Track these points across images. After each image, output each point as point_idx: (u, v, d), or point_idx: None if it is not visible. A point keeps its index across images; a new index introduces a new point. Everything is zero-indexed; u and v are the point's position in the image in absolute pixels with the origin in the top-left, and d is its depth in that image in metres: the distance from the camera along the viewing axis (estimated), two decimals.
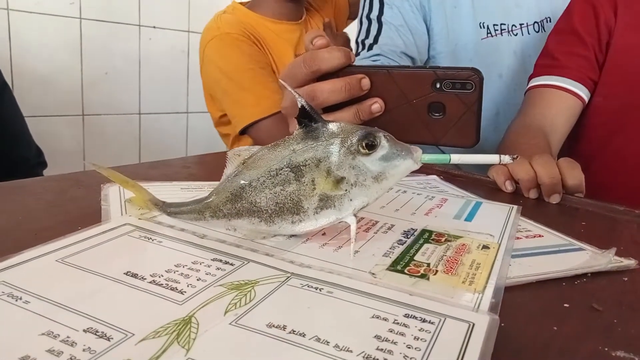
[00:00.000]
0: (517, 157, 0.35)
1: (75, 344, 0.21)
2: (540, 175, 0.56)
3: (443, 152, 0.52)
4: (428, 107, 0.42)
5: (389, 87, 0.43)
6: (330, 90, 0.42)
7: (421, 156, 0.34)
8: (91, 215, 0.38)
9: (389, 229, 0.41)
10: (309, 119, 0.34)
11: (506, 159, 0.35)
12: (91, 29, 1.74)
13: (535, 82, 0.87)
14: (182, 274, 0.29)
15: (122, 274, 0.28)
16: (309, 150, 0.34)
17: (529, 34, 0.96)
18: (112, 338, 0.22)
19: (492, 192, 0.59)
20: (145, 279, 0.28)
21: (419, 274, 0.32)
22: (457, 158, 0.35)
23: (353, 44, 0.97)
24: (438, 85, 0.42)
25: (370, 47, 0.90)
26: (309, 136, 0.34)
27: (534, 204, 0.56)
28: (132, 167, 0.55)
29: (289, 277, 0.30)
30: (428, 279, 0.32)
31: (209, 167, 0.62)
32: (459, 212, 0.47)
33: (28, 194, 0.43)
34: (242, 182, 0.34)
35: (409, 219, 0.44)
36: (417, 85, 0.42)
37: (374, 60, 0.88)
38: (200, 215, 0.36)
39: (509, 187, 0.60)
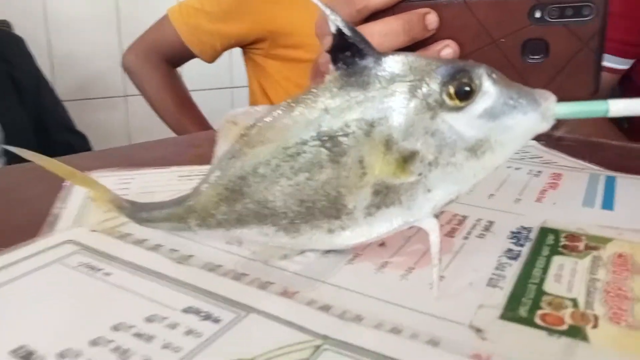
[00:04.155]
0: None
1: None
2: None
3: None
4: (523, 47, 0.31)
5: (465, 24, 0.31)
6: (383, 33, 0.31)
7: (555, 107, 0.19)
8: (39, 224, 0.26)
9: (487, 229, 0.26)
10: (350, 52, 0.19)
11: None
12: (128, 4, 1.66)
13: None
14: (117, 348, 0.15)
15: (7, 353, 0.15)
16: (352, 107, 0.19)
17: None
18: None
19: (621, 160, 0.42)
20: None
21: (566, 328, 0.17)
22: (619, 107, 0.20)
23: None
24: (538, 15, 0.30)
25: None
26: (351, 83, 0.19)
27: None
28: (121, 150, 0.43)
29: (319, 346, 0.16)
30: (585, 337, 0.17)
31: None
32: (588, 195, 0.31)
33: None
34: (243, 168, 0.21)
35: (515, 210, 0.28)
36: (507, 17, 0.30)
37: None
38: (182, 223, 0.22)
39: None
